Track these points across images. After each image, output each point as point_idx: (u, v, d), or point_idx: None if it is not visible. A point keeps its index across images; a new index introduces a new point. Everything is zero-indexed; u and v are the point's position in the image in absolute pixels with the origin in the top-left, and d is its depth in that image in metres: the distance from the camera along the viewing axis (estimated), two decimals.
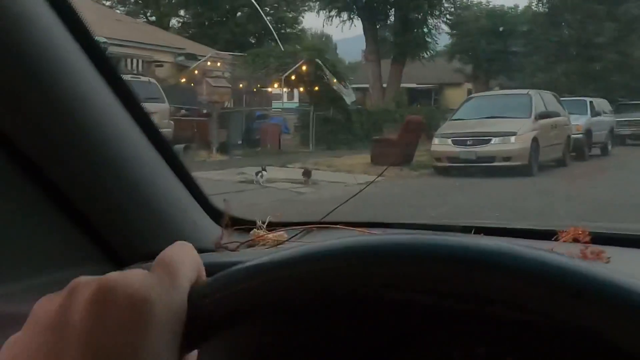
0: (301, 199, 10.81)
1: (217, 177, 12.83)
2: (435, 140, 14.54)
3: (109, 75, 0.91)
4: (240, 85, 20.33)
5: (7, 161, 0.86)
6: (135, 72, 23.31)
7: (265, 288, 0.47)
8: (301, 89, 22.99)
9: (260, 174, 12.17)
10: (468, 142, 13.95)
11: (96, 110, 0.89)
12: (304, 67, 20.46)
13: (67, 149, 0.89)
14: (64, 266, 0.93)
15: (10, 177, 0.88)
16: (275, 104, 31.56)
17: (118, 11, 39.01)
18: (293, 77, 20.47)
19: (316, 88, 21.35)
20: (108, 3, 37.86)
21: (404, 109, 25.46)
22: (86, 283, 0.47)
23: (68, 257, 0.97)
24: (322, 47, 22.18)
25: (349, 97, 20.84)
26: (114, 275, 0.47)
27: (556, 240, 1.04)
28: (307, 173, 13.43)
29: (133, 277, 0.46)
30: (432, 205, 10.32)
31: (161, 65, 25.58)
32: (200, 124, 17.52)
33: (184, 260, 0.49)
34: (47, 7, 0.81)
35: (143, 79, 15.40)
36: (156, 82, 15.69)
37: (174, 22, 44.59)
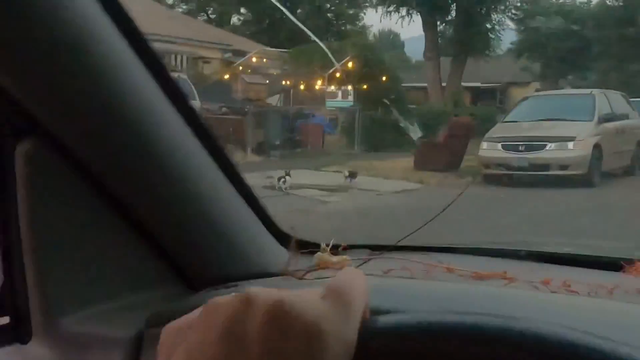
0: (320, 209, 9.70)
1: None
2: (484, 145, 13.12)
3: (172, 93, 0.93)
4: (289, 83, 19.39)
5: (89, 186, 0.92)
6: (178, 68, 22.80)
7: (432, 348, 0.50)
8: (349, 87, 21.86)
9: (282, 180, 11.12)
10: (520, 148, 12.48)
11: (169, 134, 0.91)
12: (349, 64, 19.31)
13: (147, 177, 0.92)
14: (141, 288, 0.98)
15: (93, 202, 0.93)
16: (330, 103, 30.63)
17: (180, 9, 39.12)
18: (338, 75, 19.35)
19: (364, 86, 20.17)
20: (170, 1, 37.95)
21: (462, 109, 23.92)
22: (261, 297, 0.47)
23: (144, 280, 1.00)
24: (370, 43, 20.88)
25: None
26: (290, 297, 0.47)
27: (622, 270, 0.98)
28: (352, 174, 12.39)
29: (308, 303, 0.47)
30: (468, 220, 9.02)
31: (208, 62, 25.02)
32: (236, 122, 16.64)
33: (356, 291, 0.50)
34: (99, 8, 0.81)
35: (171, 75, 14.61)
36: (186, 78, 14.90)
37: (234, 19, 44.54)
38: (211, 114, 17.55)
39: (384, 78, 20.13)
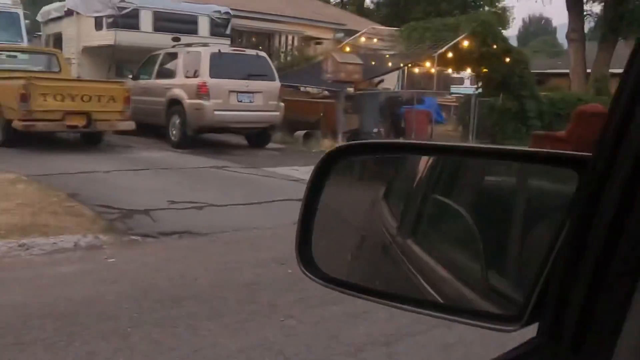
0: None
1: (307, 173, 10.08)
2: None
3: None
4: (400, 64, 17.27)
5: None
6: (284, 49, 21.41)
7: None
8: (468, 70, 19.29)
9: None
10: None
11: None
12: (465, 43, 16.79)
13: None
14: None
15: None
16: (455, 90, 27.93)
17: None
18: (450, 55, 16.90)
19: (483, 69, 17.56)
20: None
21: (605, 98, 20.45)
22: None
23: None
24: (490, 19, 18.12)
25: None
26: None
27: None
28: None
29: None
30: None
31: (320, 43, 23.47)
32: (328, 107, 14.86)
33: None
34: None
35: (249, 51, 13.10)
36: (265, 56, 13.31)
37: (368, 2, 42.89)
38: (298, 96, 15.94)
39: (507, 59, 17.36)
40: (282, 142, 14.74)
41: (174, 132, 12.75)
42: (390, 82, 26.35)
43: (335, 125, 14.55)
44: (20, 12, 17.25)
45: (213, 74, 12.22)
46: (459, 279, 1.02)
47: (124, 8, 14.06)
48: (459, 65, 18.69)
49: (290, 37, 21.30)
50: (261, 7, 21.07)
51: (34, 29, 20.17)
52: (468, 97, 17.98)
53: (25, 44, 17.21)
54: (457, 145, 1.39)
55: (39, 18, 18.54)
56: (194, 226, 6.40)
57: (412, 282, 1.09)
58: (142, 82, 13.78)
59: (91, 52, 15.39)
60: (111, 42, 14.35)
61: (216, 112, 12.14)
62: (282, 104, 13.19)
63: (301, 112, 15.50)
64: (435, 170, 1.18)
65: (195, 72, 12.38)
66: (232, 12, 19.35)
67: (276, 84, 13.04)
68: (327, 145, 14.00)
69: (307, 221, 1.17)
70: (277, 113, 12.95)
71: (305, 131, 14.59)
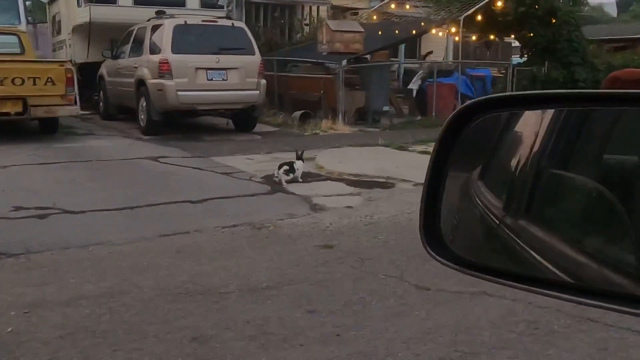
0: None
1: (261, 163, 8.40)
2: None
3: None
4: (414, 31, 15.06)
5: None
6: (307, 20, 19.55)
7: None
8: (491, 37, 16.75)
9: (283, 169, 7.36)
10: None
11: None
12: (498, 3, 14.37)
13: None
14: None
15: None
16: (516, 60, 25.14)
17: None
18: (479, 18, 14.53)
19: (528, 35, 15.06)
20: None
21: None
22: None
23: None
24: None
25: None
26: None
27: None
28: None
29: None
30: None
31: (356, 13, 21.49)
32: (327, 83, 12.99)
33: None
34: None
35: (223, 22, 11.37)
36: (243, 27, 11.58)
37: None
38: (297, 72, 14.11)
39: (552, 20, 14.79)
40: (280, 123, 13.05)
41: (142, 116, 11.33)
42: (439, 54, 24.06)
43: (336, 104, 12.68)
44: None
45: (176, 50, 10.65)
46: (602, 262, 0.93)
47: None
48: (494, 30, 16.17)
49: (314, 8, 19.39)
50: None
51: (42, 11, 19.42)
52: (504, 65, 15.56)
53: (23, 26, 16.32)
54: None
55: None
56: (11, 243, 4.87)
57: (536, 267, 1.00)
58: (118, 62, 12.45)
59: (78, 31, 14.20)
60: (86, 19, 13.07)
61: (180, 93, 10.58)
62: (264, 82, 11.45)
63: (302, 90, 13.74)
64: (550, 140, 1.07)
65: (159, 48, 10.86)
66: None
67: (255, 58, 11.31)
68: (324, 126, 12.23)
69: (433, 194, 1.11)
70: (257, 92, 11.24)
71: (301, 111, 12.81)
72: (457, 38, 19.52)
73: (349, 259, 4.56)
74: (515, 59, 26.74)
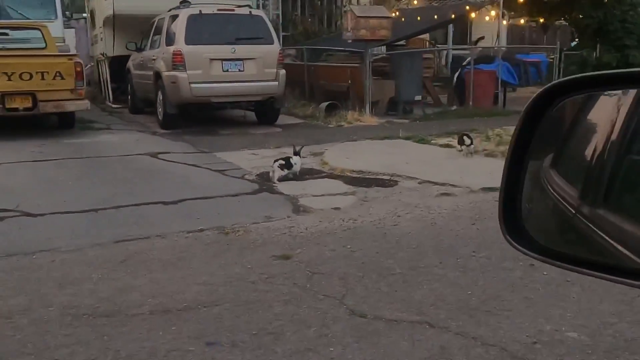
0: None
1: (264, 159, 7.94)
2: None
3: None
4: (453, 16, 14.20)
5: None
6: (347, 8, 18.87)
7: None
8: (541, 20, 15.60)
9: (278, 164, 6.87)
10: None
11: None
12: None
13: None
14: None
15: None
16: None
17: None
18: (521, 0, 13.52)
19: (579, 16, 13.97)
20: None
21: None
22: None
23: None
24: None
25: None
26: None
27: None
28: (461, 140, 8.33)
29: None
30: None
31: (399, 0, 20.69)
32: (355, 72, 12.37)
33: None
34: None
35: (240, 11, 10.88)
36: (262, 15, 11.10)
37: None
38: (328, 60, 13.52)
39: (604, 0, 13.63)
40: (306, 115, 12.54)
41: (160, 110, 11.05)
42: (490, 39, 22.94)
43: (362, 93, 12.06)
44: None
45: (189, 40, 10.29)
46: None
47: None
48: (543, 13, 15.09)
49: None
50: None
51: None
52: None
53: (59, 21, 16.40)
54: None
55: None
56: None
57: (617, 256, 0.97)
58: (141, 54, 12.22)
59: (108, 24, 14.08)
60: (111, 12, 12.89)
61: (194, 85, 10.22)
62: (283, 72, 10.94)
63: (331, 80, 13.17)
64: (630, 125, 1.02)
65: (174, 39, 10.52)
66: None
67: (274, 47, 10.81)
68: (350, 118, 11.66)
69: (514, 178, 1.08)
70: (276, 83, 10.75)
71: (328, 102, 12.26)
72: (504, 22, 18.50)
73: (298, 274, 4.02)
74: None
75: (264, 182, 6.85)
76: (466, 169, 7.49)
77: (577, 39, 15.20)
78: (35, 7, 15.89)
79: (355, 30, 11.32)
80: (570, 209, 1.09)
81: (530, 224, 1.13)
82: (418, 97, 12.61)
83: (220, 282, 3.93)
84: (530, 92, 16.43)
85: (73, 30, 19.65)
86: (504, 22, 18.32)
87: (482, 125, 10.69)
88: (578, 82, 1.12)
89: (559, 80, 1.14)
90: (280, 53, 10.92)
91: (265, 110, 11.44)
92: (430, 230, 5.05)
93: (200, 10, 10.59)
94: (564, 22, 18.40)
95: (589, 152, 1.10)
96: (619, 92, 1.08)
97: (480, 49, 18.53)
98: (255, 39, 10.67)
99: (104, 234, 5.03)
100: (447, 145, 8.97)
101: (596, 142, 1.08)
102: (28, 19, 14.44)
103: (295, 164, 7.09)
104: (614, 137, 1.04)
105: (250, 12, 10.95)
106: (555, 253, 1.07)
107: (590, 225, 1.05)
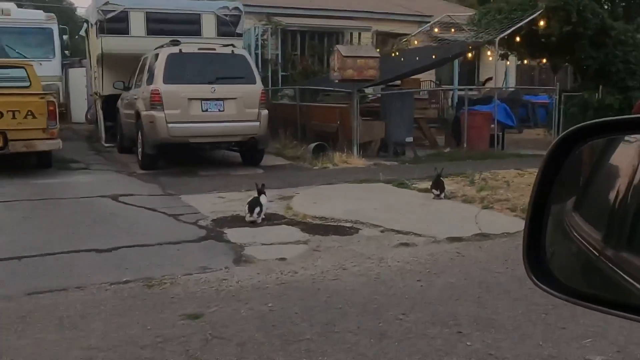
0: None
1: (230, 202, 7.59)
2: None
3: None
4: (436, 56, 13.84)
5: None
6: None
7: None
8: (543, 60, 15.21)
9: (251, 206, 6.58)
10: None
11: None
12: (540, 23, 12.99)
13: None
14: None
15: None
16: None
17: None
18: (518, 39, 13.17)
19: (567, 56, 13.60)
20: None
21: None
22: None
23: None
24: None
25: None
26: None
27: None
28: (437, 185, 8.01)
29: None
30: None
31: (404, 39, 20.50)
32: (344, 112, 12.06)
33: None
34: None
35: (222, 50, 10.66)
36: (245, 54, 10.85)
37: None
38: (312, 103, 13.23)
39: (605, 40, 13.24)
40: (294, 156, 12.21)
41: (139, 150, 10.81)
42: (498, 80, 22.59)
43: (350, 134, 11.72)
44: (55, 27, 16.52)
45: (168, 79, 10.07)
46: None
47: (110, 11, 12.39)
48: (545, 53, 14.72)
49: (355, 35, 18.56)
50: (320, 3, 18.66)
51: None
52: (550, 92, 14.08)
53: (57, 60, 16.45)
54: None
55: (82, 32, 17.75)
56: None
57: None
58: (128, 94, 12.06)
59: (100, 64, 14.01)
60: (100, 51, 12.81)
61: (171, 125, 9.97)
62: (266, 112, 10.66)
63: (322, 121, 12.88)
64: None
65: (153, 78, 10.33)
66: (275, 10, 17.26)
67: (256, 87, 10.55)
68: (337, 159, 11.31)
69: (537, 220, 1.10)
70: (257, 123, 10.46)
71: (315, 143, 11.93)
72: (507, 62, 18.17)
73: (196, 338, 3.60)
74: None
75: (215, 228, 6.47)
76: (437, 216, 7.05)
77: (578, 81, 14.78)
78: (33, 46, 16.00)
79: (342, 70, 11.04)
80: (594, 251, 1.10)
81: (554, 266, 1.14)
82: (409, 139, 12.22)
83: (107, 346, 3.52)
84: (536, 134, 15.97)
85: (84, 69, 19.79)
86: (507, 63, 18.00)
87: (473, 168, 10.26)
88: (600, 125, 1.13)
89: (582, 124, 1.13)
90: (262, 93, 10.66)
91: (249, 151, 11.15)
92: (368, 287, 4.60)
93: (180, 49, 10.40)
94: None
95: (612, 195, 1.10)
96: None
97: (488, 89, 18.22)
98: (237, 79, 10.44)
99: (20, 284, 4.67)
100: (427, 190, 8.52)
101: (619, 185, 1.09)
102: (26, 57, 14.49)
103: (263, 204, 6.79)
104: (636, 181, 1.04)
105: (232, 51, 10.73)
106: (579, 293, 1.07)
107: (614, 268, 1.05)
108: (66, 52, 18.90)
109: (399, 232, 6.35)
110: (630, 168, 1.08)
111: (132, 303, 4.34)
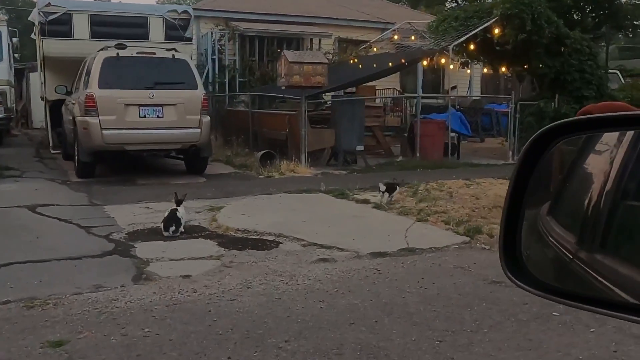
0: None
1: (154, 214, 7.19)
2: None
3: None
4: (390, 64, 13.54)
5: None
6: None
7: None
8: (502, 69, 15.03)
9: (166, 224, 6.22)
10: None
11: None
12: (495, 31, 12.79)
13: None
14: None
15: None
16: None
17: None
18: (472, 47, 12.96)
19: (524, 66, 13.43)
20: None
21: None
22: None
23: None
24: None
25: None
26: None
27: None
28: (390, 187, 8.10)
29: None
30: None
31: (368, 46, 20.24)
32: (293, 120, 11.72)
33: None
34: None
35: (162, 54, 10.26)
36: (186, 59, 10.47)
37: None
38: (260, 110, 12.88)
39: (561, 49, 13.08)
40: (242, 165, 11.83)
41: (76, 157, 10.37)
42: (462, 88, 22.46)
43: (298, 143, 11.38)
44: (4, 29, 16.00)
45: (103, 84, 9.66)
46: None
47: (51, 13, 11.95)
48: (503, 61, 14.53)
49: (316, 41, 18.26)
50: (280, 8, 18.33)
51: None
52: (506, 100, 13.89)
53: (5, 64, 15.93)
54: None
55: (32, 35, 17.20)
56: None
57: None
58: (70, 98, 11.61)
59: (43, 68, 13.52)
60: (42, 55, 12.35)
61: (106, 132, 9.55)
62: (207, 119, 10.29)
63: (272, 128, 12.54)
64: (626, 171, 1.07)
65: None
66: (233, 15, 16.91)
67: (197, 93, 10.17)
68: (284, 168, 10.96)
69: (513, 217, 1.11)
70: (198, 130, 10.07)
71: (263, 152, 11.58)
72: (468, 70, 18.01)
73: None
74: None
75: (127, 242, 6.08)
76: (367, 229, 6.73)
77: (537, 89, 14.61)
78: None
79: (288, 76, 10.71)
80: (568, 254, 1.11)
81: (530, 263, 1.14)
82: (360, 147, 11.91)
83: None
84: (497, 143, 15.73)
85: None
86: (468, 71, 17.82)
87: (421, 178, 9.98)
88: (574, 124, 1.15)
89: (555, 123, 1.15)
90: (204, 99, 10.28)
91: (192, 160, 10.76)
92: (265, 309, 4.25)
93: (117, 53, 10.00)
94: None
95: (585, 197, 1.13)
96: (613, 140, 1.12)
97: (454, 97, 18.02)
98: (177, 84, 10.06)
99: None
100: (365, 201, 8.22)
101: (592, 187, 1.12)
102: None
103: (181, 217, 6.42)
104: (610, 182, 1.06)
105: (173, 55, 10.34)
106: (554, 289, 1.08)
107: (588, 270, 1.06)
108: (15, 55, 18.33)
109: (321, 246, 6.02)
110: (601, 174, 1.10)
111: (1, 326, 3.94)
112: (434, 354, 3.40)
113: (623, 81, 20.32)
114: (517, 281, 1.11)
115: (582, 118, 1.17)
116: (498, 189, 9.18)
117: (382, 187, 7.99)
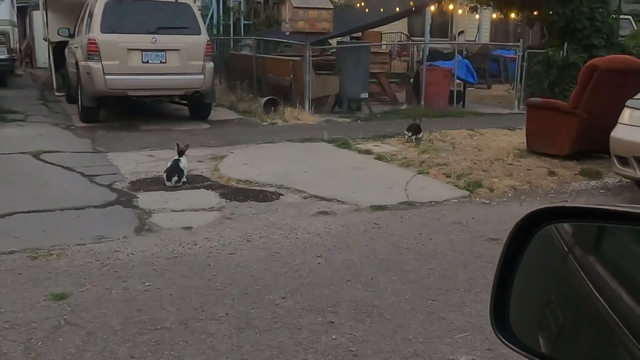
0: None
1: (157, 162, 7.23)
2: (625, 115, 6.24)
3: None
4: (397, 9, 13.29)
5: None
6: None
7: None
8: (511, 15, 14.73)
9: (169, 174, 6.30)
10: None
11: None
12: None
13: None
14: None
15: None
16: None
17: None
18: None
19: (534, 12, 13.14)
20: None
21: None
22: None
23: None
24: None
25: None
26: None
27: None
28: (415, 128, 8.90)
29: None
30: None
31: None
32: (297, 66, 11.61)
33: None
34: None
35: None
36: (189, 3, 10.28)
37: None
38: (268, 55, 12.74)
39: None
40: (247, 110, 11.80)
41: (79, 102, 10.35)
42: (471, 34, 22.09)
43: (302, 90, 11.31)
44: None
45: (106, 28, 9.55)
46: None
47: None
48: (513, 7, 14.22)
49: None
50: None
51: None
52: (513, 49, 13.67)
53: (6, 3, 15.72)
54: None
55: None
56: None
57: None
58: (73, 41, 11.50)
59: (49, 7, 13.36)
60: None
61: (109, 77, 9.50)
62: (211, 65, 10.21)
63: (276, 74, 12.43)
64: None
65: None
66: None
67: (201, 38, 10.05)
68: (288, 115, 10.92)
69: (504, 281, 1.13)
70: (202, 76, 10.01)
71: (267, 98, 11.53)
72: (477, 16, 17.67)
73: (47, 325, 3.32)
74: None
75: (129, 191, 6.14)
76: (368, 181, 6.77)
77: (546, 37, 14.33)
78: None
79: (293, 21, 10.55)
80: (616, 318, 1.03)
81: (517, 325, 1.14)
82: (364, 95, 11.83)
83: None
84: (504, 91, 15.55)
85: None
86: (476, 16, 17.50)
87: (425, 126, 9.94)
88: (564, 211, 1.13)
89: (543, 207, 1.13)
90: (208, 44, 10.17)
91: (196, 106, 10.74)
92: (263, 264, 4.33)
93: None
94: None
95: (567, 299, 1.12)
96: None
97: (462, 43, 17.74)
98: (180, 29, 9.93)
99: None
100: (367, 152, 8.23)
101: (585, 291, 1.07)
102: None
103: (184, 167, 6.47)
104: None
105: (176, 0, 10.18)
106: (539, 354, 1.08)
107: None
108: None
109: (322, 198, 6.07)
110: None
111: (6, 277, 4.05)
112: (426, 313, 3.49)
113: (635, 27, 19.86)
114: (506, 342, 1.11)
115: (573, 206, 1.12)
116: (501, 140, 9.17)
117: (408, 133, 8.88)
